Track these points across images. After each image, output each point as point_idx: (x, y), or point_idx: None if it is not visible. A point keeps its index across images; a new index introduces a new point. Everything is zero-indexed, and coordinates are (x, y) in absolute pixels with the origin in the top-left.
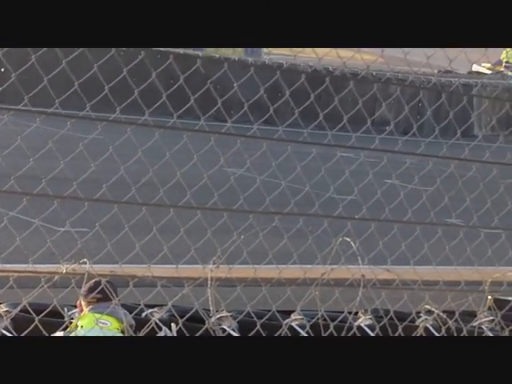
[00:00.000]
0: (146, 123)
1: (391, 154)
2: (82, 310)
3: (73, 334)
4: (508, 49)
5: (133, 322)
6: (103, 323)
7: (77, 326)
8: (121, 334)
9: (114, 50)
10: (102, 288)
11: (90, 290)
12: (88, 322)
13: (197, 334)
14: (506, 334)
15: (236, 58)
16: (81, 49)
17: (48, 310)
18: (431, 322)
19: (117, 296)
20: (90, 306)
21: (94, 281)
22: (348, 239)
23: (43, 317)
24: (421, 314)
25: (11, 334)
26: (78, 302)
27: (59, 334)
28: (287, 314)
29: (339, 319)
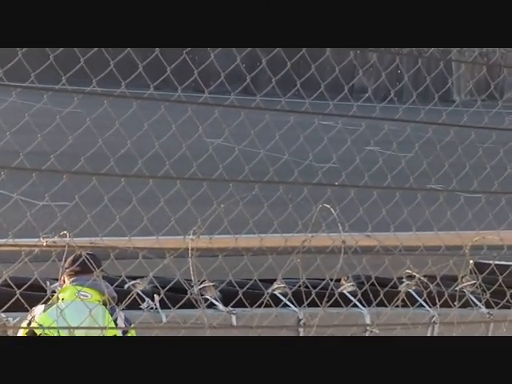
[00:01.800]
0: (123, 95)
1: (370, 121)
2: (64, 283)
3: (55, 307)
4: None
5: (114, 295)
6: (84, 295)
7: (58, 299)
8: (102, 306)
9: None
10: (84, 260)
11: (73, 262)
12: (69, 295)
13: (179, 304)
14: (488, 296)
15: None
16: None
17: (29, 283)
18: (413, 288)
19: (100, 268)
20: (72, 279)
21: (77, 253)
22: (328, 206)
23: (24, 290)
24: (403, 280)
25: None
26: (60, 275)
27: (41, 306)
28: (269, 282)
29: (321, 286)
